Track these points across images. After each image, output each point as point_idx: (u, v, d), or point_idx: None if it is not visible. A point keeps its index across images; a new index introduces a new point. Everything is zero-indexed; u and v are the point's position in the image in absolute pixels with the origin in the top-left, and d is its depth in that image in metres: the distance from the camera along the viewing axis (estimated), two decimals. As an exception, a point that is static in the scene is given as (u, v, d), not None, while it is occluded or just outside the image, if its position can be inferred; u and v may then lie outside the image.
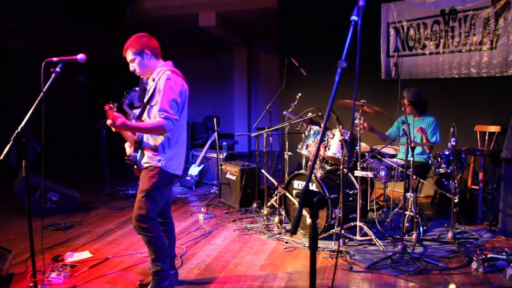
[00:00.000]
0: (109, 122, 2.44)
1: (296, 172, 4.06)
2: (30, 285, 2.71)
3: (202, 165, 6.19)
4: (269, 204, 4.53)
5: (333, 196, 3.76)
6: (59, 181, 5.02)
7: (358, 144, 3.81)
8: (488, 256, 3.13)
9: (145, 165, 2.67)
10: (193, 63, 11.38)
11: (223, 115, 10.43)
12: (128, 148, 2.78)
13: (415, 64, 5.43)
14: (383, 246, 3.48)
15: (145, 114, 2.69)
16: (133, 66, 2.68)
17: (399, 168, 3.85)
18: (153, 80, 2.68)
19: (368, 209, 4.27)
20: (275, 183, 4.15)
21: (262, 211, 4.49)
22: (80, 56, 2.49)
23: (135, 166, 2.74)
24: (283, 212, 4.17)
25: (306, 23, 6.40)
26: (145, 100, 2.70)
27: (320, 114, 4.24)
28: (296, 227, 1.46)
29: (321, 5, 6.22)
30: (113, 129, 2.48)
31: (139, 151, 2.72)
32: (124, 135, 2.72)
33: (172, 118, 2.53)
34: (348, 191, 3.91)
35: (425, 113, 4.46)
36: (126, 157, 2.76)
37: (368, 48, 5.59)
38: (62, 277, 2.98)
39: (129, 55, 2.65)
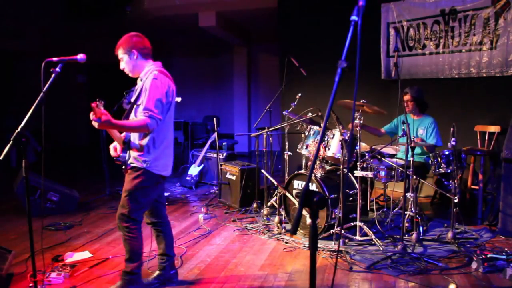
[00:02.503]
0: (92, 117, 2.37)
1: (296, 172, 4.06)
2: (30, 285, 2.71)
3: (202, 165, 6.19)
4: (269, 204, 4.53)
5: (333, 196, 3.75)
6: (59, 181, 5.02)
7: (358, 144, 3.81)
8: (488, 256, 3.13)
9: (131, 165, 2.67)
10: (193, 63, 11.38)
11: (223, 115, 10.43)
12: (113, 151, 2.74)
13: (415, 64, 5.43)
14: (383, 246, 3.49)
15: (132, 114, 2.68)
16: (122, 65, 2.70)
17: (399, 168, 3.85)
18: (141, 80, 2.68)
19: (368, 209, 4.27)
20: (275, 183, 4.15)
21: (262, 211, 4.49)
22: (80, 56, 2.49)
23: (124, 167, 2.72)
24: (283, 212, 4.17)
25: (306, 23, 6.40)
26: (132, 100, 2.69)
27: (320, 114, 4.24)
28: (296, 227, 1.45)
29: (321, 5, 6.22)
30: (96, 126, 2.42)
31: (128, 151, 2.70)
32: (112, 134, 2.70)
33: (156, 117, 2.52)
34: (348, 191, 3.91)
35: (424, 114, 4.46)
36: (115, 158, 2.73)
37: (368, 48, 5.59)
38: (62, 277, 2.98)
39: (119, 54, 2.68)
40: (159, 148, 2.67)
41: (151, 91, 2.54)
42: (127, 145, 2.70)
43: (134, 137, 2.68)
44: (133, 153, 2.66)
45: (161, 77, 2.61)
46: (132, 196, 2.64)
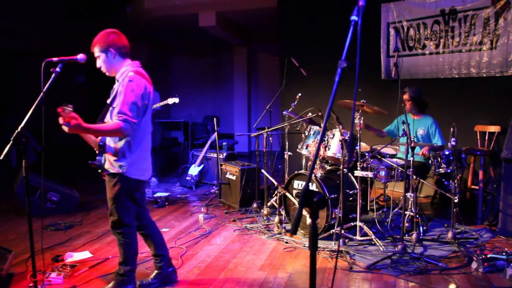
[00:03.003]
0: (61, 121, 2.27)
1: (296, 172, 4.06)
2: (30, 285, 2.71)
3: (202, 165, 6.19)
4: (269, 204, 4.53)
5: (333, 196, 3.75)
6: (59, 181, 5.02)
7: (358, 144, 3.81)
8: (488, 256, 3.13)
9: (108, 171, 2.61)
10: (193, 63, 11.39)
11: (223, 115, 10.44)
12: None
13: (415, 64, 5.43)
14: (383, 246, 3.48)
15: (107, 116, 2.60)
16: (99, 63, 2.61)
17: (399, 168, 3.85)
18: (117, 80, 2.60)
19: (368, 209, 4.27)
20: (275, 183, 4.15)
21: (262, 211, 4.49)
22: (80, 56, 2.48)
23: (100, 171, 2.66)
24: (283, 212, 4.17)
25: (306, 23, 6.40)
26: (108, 101, 2.62)
27: (320, 114, 4.24)
28: (296, 227, 1.45)
29: (321, 5, 6.23)
30: (66, 130, 2.30)
31: (103, 155, 2.63)
32: (86, 138, 2.62)
33: (131, 121, 2.44)
34: (348, 191, 3.91)
35: (425, 114, 4.46)
36: (90, 162, 2.67)
37: (368, 48, 5.59)
38: (62, 277, 2.98)
39: (95, 52, 2.59)
40: (135, 152, 2.59)
41: (125, 94, 2.46)
42: (102, 148, 2.63)
43: (109, 140, 2.60)
44: (109, 158, 2.59)
45: (137, 79, 2.51)
46: (118, 203, 2.60)
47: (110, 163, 2.59)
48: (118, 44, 2.58)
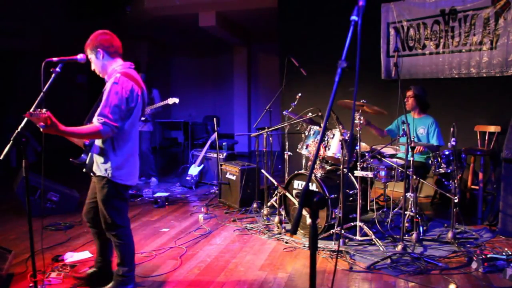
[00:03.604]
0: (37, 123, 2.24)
1: (296, 172, 4.06)
2: (30, 285, 2.71)
3: (202, 165, 6.19)
4: (269, 204, 4.53)
5: (333, 196, 3.75)
6: (59, 181, 5.02)
7: (358, 144, 3.81)
8: (488, 256, 3.13)
9: (96, 173, 2.59)
10: (193, 63, 11.39)
11: (223, 115, 10.44)
12: None
13: (415, 64, 5.43)
14: (383, 246, 3.48)
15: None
16: (92, 65, 2.60)
17: (399, 168, 3.85)
18: (106, 81, 2.56)
19: (368, 209, 4.27)
20: (275, 183, 4.15)
21: (262, 211, 4.49)
22: (80, 56, 2.48)
23: (84, 170, 2.64)
24: (283, 212, 4.17)
25: (306, 23, 6.41)
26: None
27: (320, 114, 4.24)
28: (296, 227, 1.45)
29: (321, 5, 6.23)
30: (42, 130, 2.25)
31: (89, 154, 2.61)
32: (67, 137, 2.55)
33: (111, 124, 2.39)
34: (348, 191, 3.91)
35: (426, 114, 4.46)
36: (71, 159, 2.64)
37: (368, 48, 5.59)
38: (62, 277, 2.98)
39: (88, 54, 2.57)
40: (119, 155, 2.55)
41: (109, 96, 2.41)
42: (88, 148, 2.60)
43: (97, 141, 2.57)
44: (96, 159, 2.58)
45: (123, 81, 2.45)
46: (109, 205, 2.59)
47: (97, 165, 2.58)
48: (105, 44, 2.54)
